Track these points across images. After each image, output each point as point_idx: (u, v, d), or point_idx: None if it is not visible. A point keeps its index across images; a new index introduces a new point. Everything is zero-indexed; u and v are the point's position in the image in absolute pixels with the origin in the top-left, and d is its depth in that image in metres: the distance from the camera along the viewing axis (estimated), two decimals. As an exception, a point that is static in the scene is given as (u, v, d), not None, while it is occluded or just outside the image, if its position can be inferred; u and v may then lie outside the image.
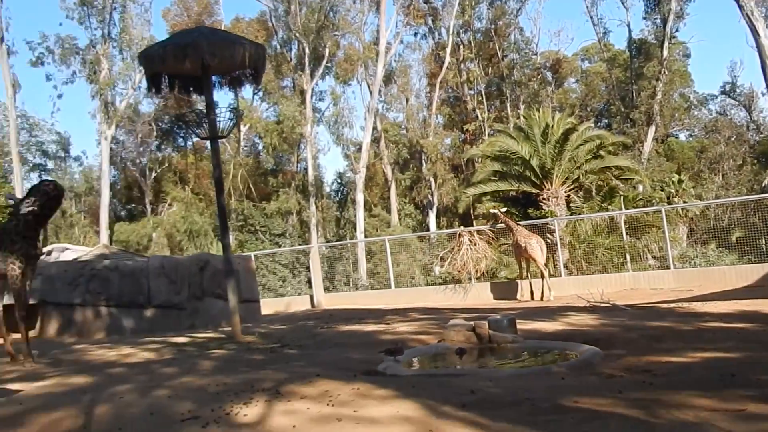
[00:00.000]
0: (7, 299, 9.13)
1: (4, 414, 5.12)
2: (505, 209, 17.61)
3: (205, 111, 10.23)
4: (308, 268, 22.83)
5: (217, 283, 13.43)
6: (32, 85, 64.47)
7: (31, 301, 8.92)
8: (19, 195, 32.01)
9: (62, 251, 17.23)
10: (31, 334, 9.73)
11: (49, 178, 9.18)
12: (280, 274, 26.13)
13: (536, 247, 15.82)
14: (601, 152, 21.89)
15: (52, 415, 4.89)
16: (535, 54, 45.19)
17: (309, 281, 23.19)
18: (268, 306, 18.53)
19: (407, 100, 44.55)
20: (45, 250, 19.55)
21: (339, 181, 47.71)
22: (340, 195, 46.63)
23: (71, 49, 41.48)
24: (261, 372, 6.14)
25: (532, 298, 16.07)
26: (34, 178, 48.04)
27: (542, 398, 4.52)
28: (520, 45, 44.36)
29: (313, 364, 6.53)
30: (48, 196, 8.19)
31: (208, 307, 13.52)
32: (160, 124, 46.61)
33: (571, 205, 20.80)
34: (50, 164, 50.24)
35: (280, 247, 31.98)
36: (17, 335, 9.20)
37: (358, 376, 5.71)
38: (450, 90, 45.02)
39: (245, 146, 44.34)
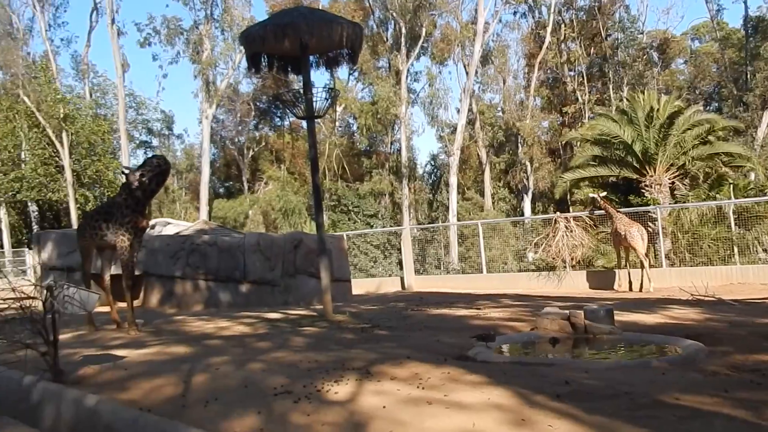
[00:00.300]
0: (114, 269, 9.66)
1: (111, 378, 5.42)
2: (604, 195, 17.02)
3: (301, 91, 10.39)
4: (399, 249, 22.93)
5: (310, 261, 13.73)
6: (139, 65, 67.67)
7: (136, 272, 9.38)
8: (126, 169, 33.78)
9: (165, 225, 18.04)
10: (135, 303, 10.26)
11: (159, 154, 9.69)
12: (371, 255, 26.37)
13: (637, 236, 15.23)
14: (710, 137, 20.75)
15: (153, 382, 5.13)
16: (641, 33, 43.29)
17: (400, 263, 23.30)
18: (359, 286, 18.76)
19: (504, 81, 43.74)
20: (150, 223, 20.56)
21: (432, 163, 47.61)
22: (433, 177, 46.52)
23: (176, 30, 43.10)
24: (351, 351, 6.22)
25: (631, 289, 15.52)
26: (140, 155, 50.60)
27: (641, 393, 4.35)
28: (626, 24, 42.58)
29: (403, 346, 6.56)
30: (158, 170, 8.61)
31: (300, 285, 13.84)
32: (258, 103, 47.85)
33: (675, 192, 19.88)
34: (155, 141, 52.66)
35: (372, 227, 32.29)
36: (123, 304, 9.74)
37: (448, 360, 5.68)
38: (549, 71, 43.85)
39: (340, 127, 44.88)
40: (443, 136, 43.27)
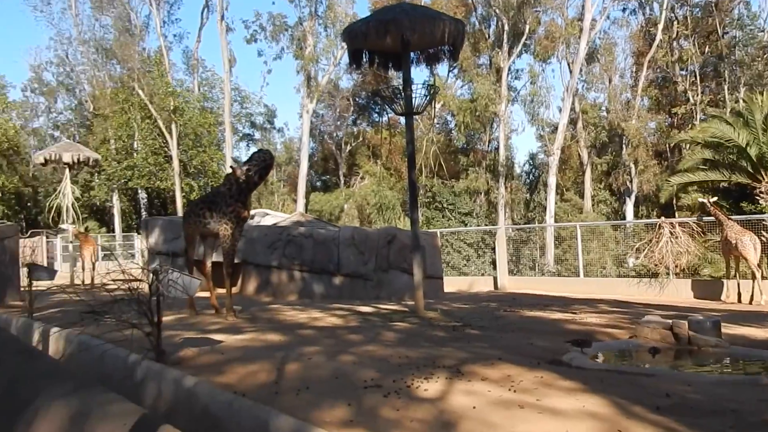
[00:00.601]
0: (216, 257, 10.03)
1: (209, 361, 5.63)
2: (714, 200, 16.17)
3: (401, 87, 10.42)
4: (493, 249, 22.67)
5: (403, 257, 13.76)
6: (245, 61, 69.97)
7: (235, 261, 9.71)
8: (229, 161, 35.00)
9: (263, 216, 18.57)
10: (233, 290, 10.61)
11: (265, 148, 10.09)
12: (464, 253, 26.22)
13: (749, 245, 14.40)
14: (835, 143, 19.38)
15: (248, 367, 5.29)
16: (762, 31, 40.84)
17: (493, 262, 23.03)
18: (451, 284, 18.67)
19: (610, 80, 42.34)
20: (250, 214, 21.24)
21: (531, 162, 46.76)
22: (531, 177, 45.70)
23: (281, 26, 44.24)
24: (442, 349, 6.19)
25: (739, 301, 14.69)
26: (243, 147, 52.36)
27: (750, 411, 4.10)
28: (745, 21, 40.28)
29: (494, 347, 6.47)
30: (263, 164, 8.95)
31: (392, 280, 13.91)
32: (357, 99, 48.44)
33: (793, 201, 18.69)
34: (257, 134, 54.30)
35: (466, 226, 32.10)
36: (222, 290, 10.10)
37: (541, 364, 5.55)
38: (658, 70, 42.07)
39: (437, 124, 44.79)
40: (543, 135, 42.39)
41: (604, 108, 43.05)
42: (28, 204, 45.42)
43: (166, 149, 39.49)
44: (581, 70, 39.51)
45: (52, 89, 50.54)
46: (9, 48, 68.23)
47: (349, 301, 12.32)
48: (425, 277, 10.77)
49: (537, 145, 52.81)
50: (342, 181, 48.35)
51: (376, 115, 49.49)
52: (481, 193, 40.23)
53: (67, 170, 19.57)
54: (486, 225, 33.20)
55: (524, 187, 44.03)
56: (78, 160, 19.03)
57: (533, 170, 45.75)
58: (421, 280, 9.93)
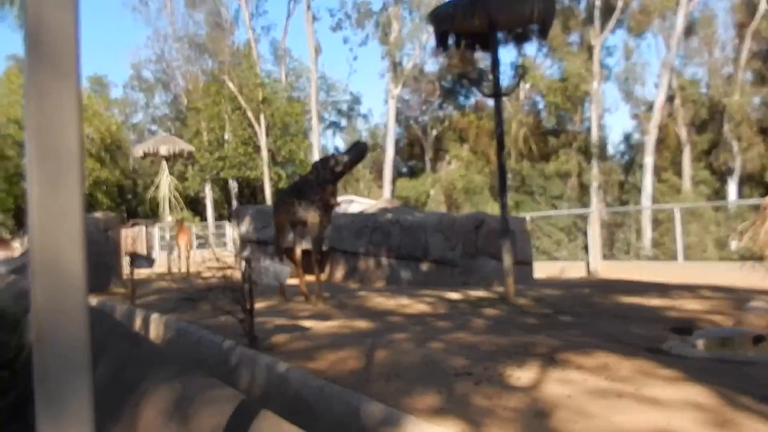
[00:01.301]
0: (305, 245, 10.22)
1: (299, 347, 5.75)
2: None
3: (488, 69, 10.26)
4: (585, 233, 22.10)
5: (492, 242, 13.63)
6: (331, 49, 70.76)
7: (324, 248, 9.88)
8: (316, 150, 35.58)
9: (349, 203, 18.79)
10: (322, 277, 10.79)
11: (363, 141, 10.38)
12: (555, 238, 25.68)
13: None
14: None
15: (338, 354, 5.37)
16: None
17: (585, 247, 22.45)
18: (541, 269, 18.35)
19: (709, 54, 40.32)
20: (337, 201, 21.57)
21: (625, 142, 45.20)
22: (625, 157, 44.20)
23: (366, 13, 44.43)
24: (534, 336, 6.09)
25: None
26: (329, 135, 53.08)
27: None
28: None
29: (589, 335, 6.31)
30: (359, 156, 9.19)
31: (481, 266, 13.80)
32: (443, 83, 48.13)
33: None
34: (343, 122, 54.87)
35: (556, 209, 31.43)
36: (311, 277, 10.30)
37: (639, 352, 5.37)
38: (763, 41, 39.69)
39: (526, 105, 43.94)
40: (638, 113, 40.87)
41: (703, 83, 41.08)
42: (129, 196, 47.76)
43: (255, 139, 40.52)
44: (678, 45, 37.78)
45: (150, 86, 52.87)
46: (111, 49, 71.75)
47: (437, 287, 12.30)
48: (515, 263, 10.63)
49: (632, 124, 50.97)
50: (428, 167, 48.24)
51: (462, 98, 49.05)
52: (572, 176, 39.28)
53: (164, 162, 20.40)
54: (578, 208, 32.39)
55: (618, 169, 42.63)
56: (174, 152, 19.83)
57: (628, 150, 44.22)
58: (510, 266, 9.80)
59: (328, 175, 9.01)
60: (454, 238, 13.87)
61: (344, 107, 53.98)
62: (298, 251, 10.14)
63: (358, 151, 9.39)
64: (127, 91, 54.01)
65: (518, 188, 34.99)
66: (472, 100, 46.89)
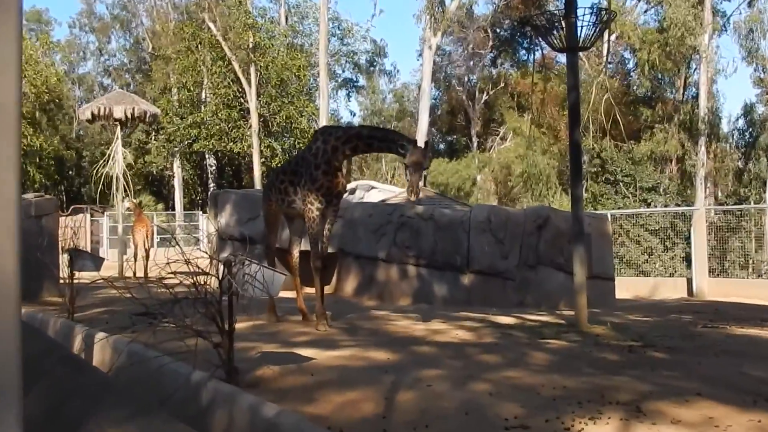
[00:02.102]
0: (305, 245, 10.23)
1: (295, 384, 5.75)
2: None
3: (561, 13, 10.18)
4: (688, 238, 21.94)
5: (559, 248, 13.57)
6: (349, -16, 70.84)
7: (328, 250, 9.89)
8: (323, 117, 35.62)
9: (368, 190, 18.81)
10: (326, 290, 10.81)
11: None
12: (645, 245, 25.52)
13: None
14: None
15: (347, 394, 5.36)
16: None
17: (687, 258, 22.30)
18: (626, 287, 18.23)
19: None
20: (349, 187, 21.50)
21: (746, 116, 44.67)
22: (746, 137, 43.69)
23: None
24: (614, 378, 6.04)
25: None
26: (341, 97, 53.16)
27: None
28: None
29: (689, 377, 6.25)
30: (382, 138, 8.98)
31: (543, 280, 13.76)
32: (497, 30, 47.96)
33: None
34: (360, 80, 54.89)
35: (649, 205, 31.21)
36: (312, 290, 10.30)
37: (758, 402, 5.32)
38: None
39: (611, 63, 43.64)
40: (764, 78, 40.37)
41: None
42: (70, 172, 48.18)
43: (242, 100, 40.72)
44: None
45: (105, 25, 53.26)
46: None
47: (482, 308, 12.26)
48: (590, 277, 10.54)
49: (755, 92, 50.33)
50: (475, 143, 48.18)
51: (524, 52, 48.89)
52: (671, 161, 38.95)
53: (118, 128, 20.50)
54: (678, 204, 32.16)
55: (735, 152, 42.18)
56: (132, 115, 19.90)
57: (749, 128, 43.71)
58: (584, 282, 9.74)
59: (328, 152, 8.93)
60: (508, 242, 13.82)
61: (363, 60, 54.06)
62: (296, 254, 10.14)
63: (385, 132, 9.17)
64: (74, 31, 54.54)
65: (597, 175, 34.77)
66: (538, 55, 46.67)
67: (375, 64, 55.03)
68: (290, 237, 10.27)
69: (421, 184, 8.57)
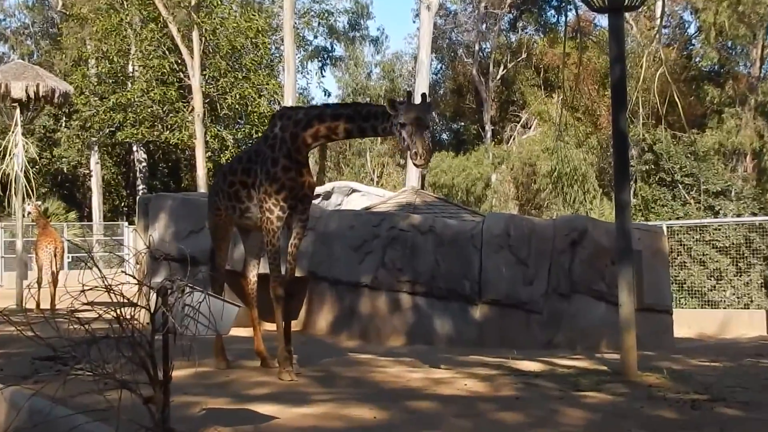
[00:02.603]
0: (264, 267, 10.19)
1: (249, 451, 5.73)
2: None
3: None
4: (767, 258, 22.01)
5: (599, 270, 13.60)
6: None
7: (295, 274, 9.83)
8: (289, 97, 35.57)
9: (347, 194, 18.82)
10: (293, 325, 10.75)
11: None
12: (712, 266, 25.59)
13: None
14: None
15: (319, 466, 5.34)
16: None
17: (767, 284, 22.34)
18: (687, 321, 18.27)
19: None
20: (321, 190, 21.40)
21: None
22: None
23: None
24: (672, 444, 6.05)
25: None
26: (313, 71, 53.13)
27: None
28: None
29: (771, 443, 6.27)
30: (364, 113, 8.86)
31: (578, 312, 13.77)
32: (517, -16, 48.19)
33: None
34: (338, 49, 54.86)
35: (717, 214, 31.27)
36: (273, 326, 10.25)
37: None
38: None
39: (666, 27, 43.85)
40: None
41: None
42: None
43: (181, 75, 40.63)
44: None
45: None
46: None
47: (499, 349, 12.27)
48: (640, 309, 10.54)
49: None
50: (488, 132, 48.24)
51: (552, 12, 49.07)
52: (745, 155, 39.10)
53: (17, 112, 20.37)
54: (755, 213, 32.24)
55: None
56: (36, 94, 19.78)
57: None
58: (632, 315, 9.75)
59: (287, 141, 8.87)
60: (533, 262, 13.83)
61: (342, 23, 54.10)
62: (252, 278, 10.11)
63: (364, 108, 8.77)
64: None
65: (649, 175, 34.86)
66: (571, 17, 46.84)
67: (358, 27, 55.10)
68: (245, 256, 10.23)
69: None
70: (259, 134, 39.00)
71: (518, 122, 47.16)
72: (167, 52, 40.63)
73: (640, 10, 18.06)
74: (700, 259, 25.58)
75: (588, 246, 13.87)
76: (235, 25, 40.61)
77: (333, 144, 50.32)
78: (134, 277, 7.49)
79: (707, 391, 8.72)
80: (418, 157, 8.07)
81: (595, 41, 42.78)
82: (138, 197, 31.27)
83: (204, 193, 16.46)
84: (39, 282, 18.85)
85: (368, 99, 52.35)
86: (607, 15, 10.36)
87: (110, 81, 41.56)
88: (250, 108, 41.58)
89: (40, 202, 20.47)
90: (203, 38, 39.90)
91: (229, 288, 10.11)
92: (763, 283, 23.64)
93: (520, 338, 13.33)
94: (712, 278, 25.29)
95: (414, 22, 44.64)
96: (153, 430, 5.56)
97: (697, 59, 43.67)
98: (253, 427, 6.28)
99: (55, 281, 18.21)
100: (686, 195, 33.55)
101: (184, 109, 40.52)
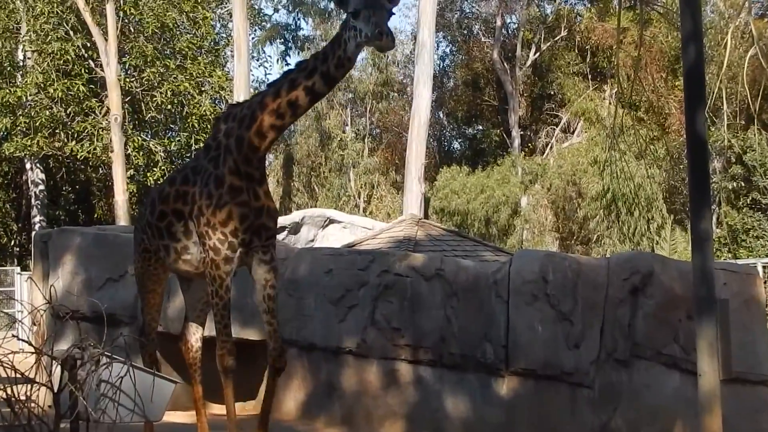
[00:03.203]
0: (209, 328, 10.23)
1: None
2: None
3: None
4: None
5: (670, 327, 13.59)
6: None
7: (250, 337, 9.86)
8: (240, 92, 35.65)
9: (322, 226, 18.95)
10: (249, 407, 10.79)
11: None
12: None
13: None
14: None
15: None
16: None
17: None
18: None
19: None
20: (286, 220, 21.40)
21: None
22: None
23: None
24: None
25: None
26: (273, 55, 53.25)
27: None
28: None
29: None
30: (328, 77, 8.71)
31: (641, 385, 13.76)
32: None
33: None
34: (306, 27, 55.08)
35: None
36: (222, 408, 10.28)
37: None
38: None
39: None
40: None
41: None
42: None
43: (92, 63, 40.68)
44: None
45: None
46: None
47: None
48: (727, 380, 10.57)
49: None
50: (516, 140, 48.41)
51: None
52: None
53: None
54: None
55: None
56: None
57: None
58: (716, 388, 9.79)
59: (232, 150, 8.90)
60: (579, 317, 13.84)
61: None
62: (194, 342, 10.14)
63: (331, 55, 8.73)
64: None
65: (738, 196, 35.04)
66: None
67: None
68: (185, 312, 10.26)
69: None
70: (200, 144, 39.11)
71: (557, 125, 47.36)
72: (71, 33, 40.68)
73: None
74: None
75: (655, 294, 13.84)
76: (164, -4, 40.81)
77: (303, 158, 50.45)
78: (30, 344, 7.53)
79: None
80: (384, 35, 7.93)
81: (661, 12, 42.98)
82: (34, 233, 31.39)
83: (126, 226, 16.43)
84: None
85: (352, 96, 52.57)
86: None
87: (-5, 73, 41.65)
88: (187, 109, 41.56)
89: None
90: (121, 12, 40.00)
91: (162, 358, 10.12)
92: None
93: (563, 422, 13.35)
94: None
95: (394, 14, 44.65)
96: None
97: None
98: None
99: None
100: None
101: (97, 111, 40.54)
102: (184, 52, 41.56)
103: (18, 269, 34.74)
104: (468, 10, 50.45)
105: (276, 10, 53.05)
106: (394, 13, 8.18)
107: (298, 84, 8.46)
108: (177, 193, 9.40)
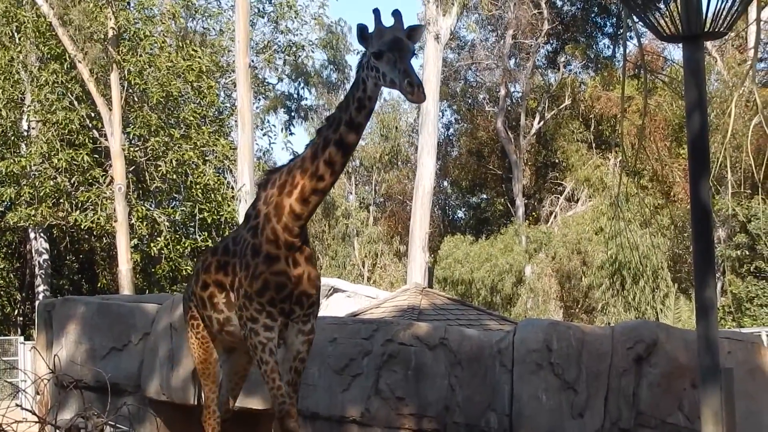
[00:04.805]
0: (243, 396, 10.25)
1: None
2: None
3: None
4: None
5: (675, 396, 13.59)
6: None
7: (258, 406, 9.87)
8: (244, 161, 35.67)
9: (327, 294, 18.94)
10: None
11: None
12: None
13: None
14: None
15: None
16: None
17: None
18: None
19: None
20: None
21: None
22: None
23: None
24: None
25: None
26: (277, 122, 53.33)
27: None
28: None
29: None
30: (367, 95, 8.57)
31: (648, 459, 13.74)
32: (557, 5, 48.59)
33: None
34: (309, 96, 55.19)
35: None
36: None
37: None
38: None
39: (762, 62, 44.28)
40: None
41: None
42: None
43: (96, 133, 40.71)
44: None
45: None
46: None
47: None
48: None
49: None
50: (520, 208, 48.41)
51: (605, 42, 49.48)
52: None
53: None
54: None
55: None
56: None
57: None
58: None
59: (271, 217, 8.90)
60: (584, 387, 13.83)
61: (314, 62, 54.51)
62: (224, 411, 10.14)
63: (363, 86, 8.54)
64: None
65: (742, 263, 35.01)
66: (632, 48, 47.27)
67: (336, 65, 55.42)
68: (221, 382, 10.24)
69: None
70: (204, 214, 39.13)
71: (561, 194, 47.42)
72: (76, 102, 40.74)
73: (726, 37, 18.32)
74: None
75: (659, 363, 13.85)
76: (169, 64, 40.73)
77: (307, 226, 50.07)
78: (34, 413, 7.57)
79: None
80: (415, 88, 7.70)
81: (665, 81, 43.16)
82: (38, 303, 31.36)
83: (130, 296, 16.45)
84: None
85: (357, 165, 52.63)
86: (681, 45, 10.52)
87: (-1, 143, 41.71)
88: (191, 178, 41.52)
89: None
90: (126, 82, 40.08)
91: (166, 426, 10.13)
92: None
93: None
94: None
95: (417, 56, 44.78)
96: None
97: (806, 103, 43.99)
98: None
99: None
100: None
101: (101, 181, 40.58)
102: (188, 122, 41.64)
103: (21, 338, 34.75)
104: (472, 80, 50.63)
105: (280, 80, 53.05)
106: (416, 54, 8.18)
107: (329, 140, 8.36)
108: (218, 264, 9.47)
